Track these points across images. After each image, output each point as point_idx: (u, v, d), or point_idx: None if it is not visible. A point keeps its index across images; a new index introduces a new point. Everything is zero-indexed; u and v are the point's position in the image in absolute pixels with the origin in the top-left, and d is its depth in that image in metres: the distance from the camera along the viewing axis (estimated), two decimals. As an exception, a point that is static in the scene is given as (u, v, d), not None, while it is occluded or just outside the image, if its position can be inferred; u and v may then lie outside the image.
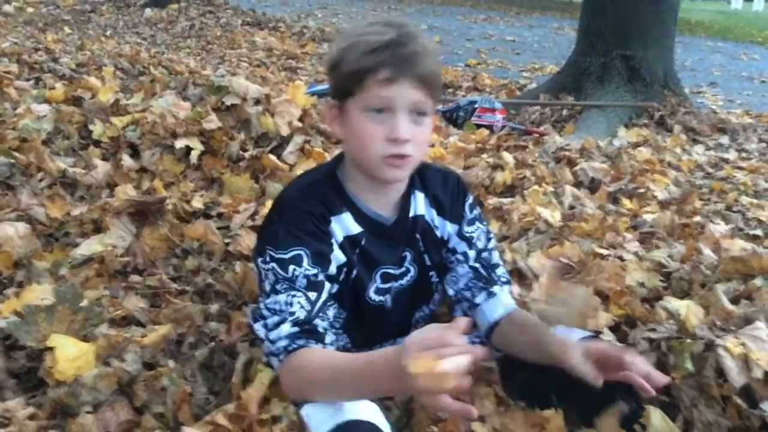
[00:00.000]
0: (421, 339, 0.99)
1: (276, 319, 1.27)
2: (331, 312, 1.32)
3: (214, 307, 1.82)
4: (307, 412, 1.21)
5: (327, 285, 1.32)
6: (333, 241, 1.37)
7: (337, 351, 1.30)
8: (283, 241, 1.30)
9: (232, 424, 1.25)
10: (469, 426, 1.32)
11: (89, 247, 2.04)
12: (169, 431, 1.35)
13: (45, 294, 1.68)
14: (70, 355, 1.45)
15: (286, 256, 1.29)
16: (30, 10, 10.49)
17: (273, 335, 1.26)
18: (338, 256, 1.37)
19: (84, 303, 1.61)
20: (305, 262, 1.29)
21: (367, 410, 1.20)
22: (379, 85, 1.25)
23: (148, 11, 11.25)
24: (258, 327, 1.30)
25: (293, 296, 1.27)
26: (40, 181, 2.51)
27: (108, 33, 9.09)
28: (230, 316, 1.79)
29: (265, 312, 1.29)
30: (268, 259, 1.30)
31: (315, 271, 1.30)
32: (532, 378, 1.46)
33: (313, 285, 1.30)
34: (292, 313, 1.26)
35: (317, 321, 1.28)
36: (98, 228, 2.22)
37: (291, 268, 1.28)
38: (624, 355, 1.21)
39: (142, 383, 1.45)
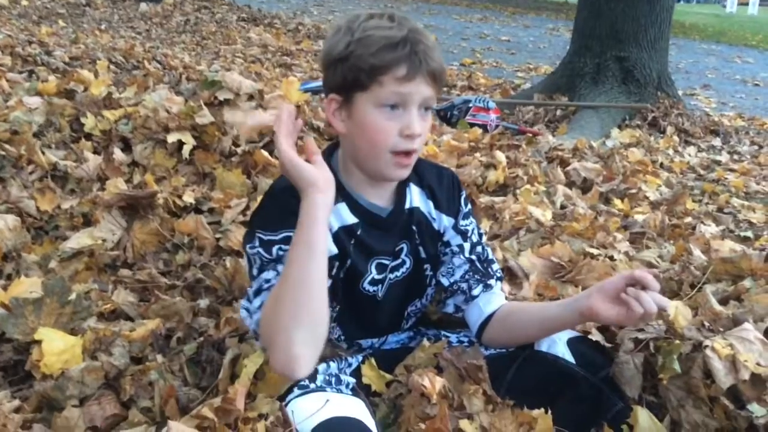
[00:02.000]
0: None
1: (255, 287, 1.30)
2: None
3: (203, 303, 1.82)
4: (293, 408, 1.20)
5: None
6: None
7: None
8: (274, 223, 1.30)
9: (218, 418, 1.25)
10: (457, 424, 1.32)
11: (79, 240, 2.03)
12: (155, 426, 1.34)
13: (33, 287, 1.67)
14: (57, 349, 1.45)
15: (276, 238, 1.29)
16: (24, 2, 10.41)
17: (254, 304, 1.29)
18: (330, 248, 1.37)
19: (72, 296, 1.60)
20: None
21: (354, 407, 1.20)
22: (396, 81, 1.26)
23: (143, 5, 11.20)
24: (243, 304, 1.32)
25: (276, 271, 1.28)
26: (31, 173, 2.49)
27: (103, 27, 9.03)
28: (219, 311, 1.78)
29: (250, 292, 1.31)
30: (256, 243, 1.30)
31: None
32: (520, 377, 1.47)
33: None
34: (268, 281, 1.28)
35: None
36: (88, 221, 2.21)
37: (275, 248, 1.29)
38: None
39: (130, 377, 1.44)
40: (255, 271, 1.32)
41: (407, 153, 1.31)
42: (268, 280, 1.29)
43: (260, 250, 1.30)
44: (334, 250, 1.37)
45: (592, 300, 1.35)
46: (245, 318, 1.32)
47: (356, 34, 1.28)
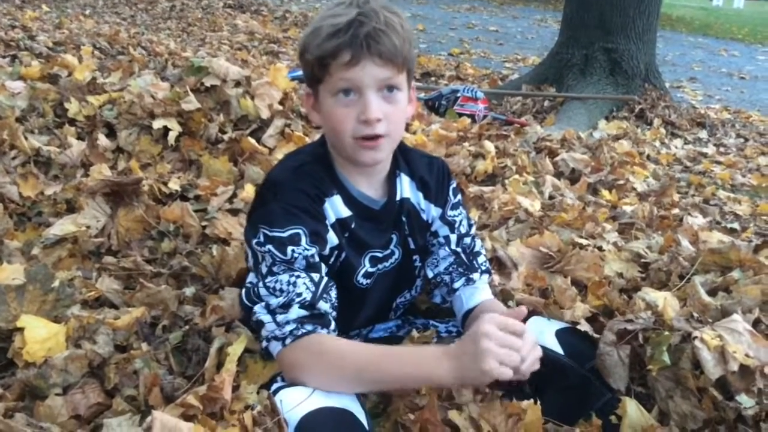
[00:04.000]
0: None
1: (282, 300, 1.25)
2: (333, 293, 1.31)
3: (189, 291, 1.80)
4: (281, 397, 1.19)
5: (323, 266, 1.31)
6: (327, 221, 1.35)
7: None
8: (280, 219, 1.28)
9: (204, 407, 1.23)
10: (446, 414, 1.31)
11: (62, 227, 2.00)
12: (140, 414, 1.32)
13: (16, 274, 1.64)
14: (40, 337, 1.42)
15: (284, 235, 1.27)
16: (7, -14, 10.27)
17: (280, 318, 1.24)
18: (332, 238, 1.36)
19: (55, 284, 1.57)
20: (303, 241, 1.28)
21: (342, 397, 1.19)
22: (342, 68, 1.24)
23: (128, -9, 11.06)
24: (259, 308, 1.28)
25: (296, 277, 1.26)
26: (14, 159, 2.45)
27: (87, 12, 8.92)
28: (206, 299, 1.76)
29: (264, 291, 1.28)
30: (263, 239, 1.28)
31: (313, 251, 1.29)
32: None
33: (313, 266, 1.28)
34: (299, 294, 1.25)
35: (321, 303, 1.27)
36: (72, 208, 2.19)
37: (289, 249, 1.27)
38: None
39: (114, 366, 1.42)
40: (264, 268, 1.29)
41: (370, 138, 1.28)
42: (300, 294, 1.25)
43: (271, 248, 1.27)
44: (335, 241, 1.36)
45: None
46: (268, 323, 1.26)
47: (311, 26, 1.29)
